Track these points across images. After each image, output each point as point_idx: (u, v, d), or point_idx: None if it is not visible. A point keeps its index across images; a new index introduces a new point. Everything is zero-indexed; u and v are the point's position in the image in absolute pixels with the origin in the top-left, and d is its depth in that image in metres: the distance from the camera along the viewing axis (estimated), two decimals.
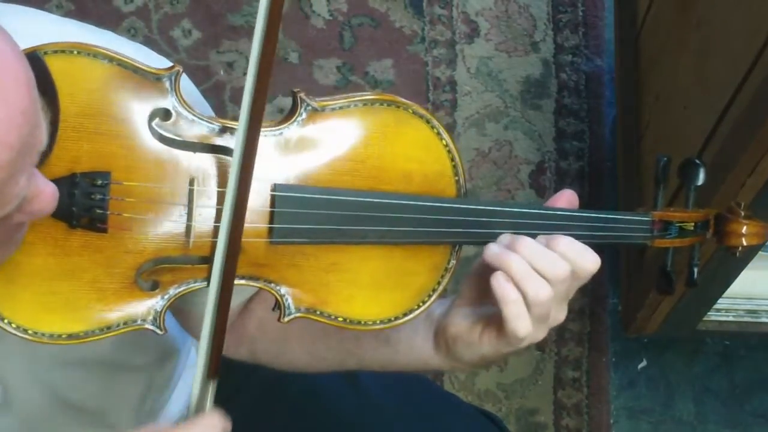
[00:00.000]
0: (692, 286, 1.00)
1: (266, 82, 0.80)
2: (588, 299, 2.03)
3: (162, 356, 1.16)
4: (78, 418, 1.12)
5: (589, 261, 0.89)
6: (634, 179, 1.93)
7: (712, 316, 1.87)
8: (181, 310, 1.05)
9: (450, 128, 2.14)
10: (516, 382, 1.98)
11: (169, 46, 2.17)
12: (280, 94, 2.13)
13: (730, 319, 1.89)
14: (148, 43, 2.17)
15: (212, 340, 0.85)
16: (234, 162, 0.81)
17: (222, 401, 1.24)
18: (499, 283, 0.86)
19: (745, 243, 0.97)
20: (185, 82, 0.91)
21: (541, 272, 0.86)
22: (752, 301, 1.87)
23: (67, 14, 2.19)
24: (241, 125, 0.81)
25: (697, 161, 0.99)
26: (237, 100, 2.24)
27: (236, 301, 1.04)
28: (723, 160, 1.46)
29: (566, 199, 0.93)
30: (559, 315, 0.90)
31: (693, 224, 0.97)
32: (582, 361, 2.00)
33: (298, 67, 2.17)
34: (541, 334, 0.89)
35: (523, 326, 0.86)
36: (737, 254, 0.98)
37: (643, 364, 2.01)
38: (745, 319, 1.89)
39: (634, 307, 1.90)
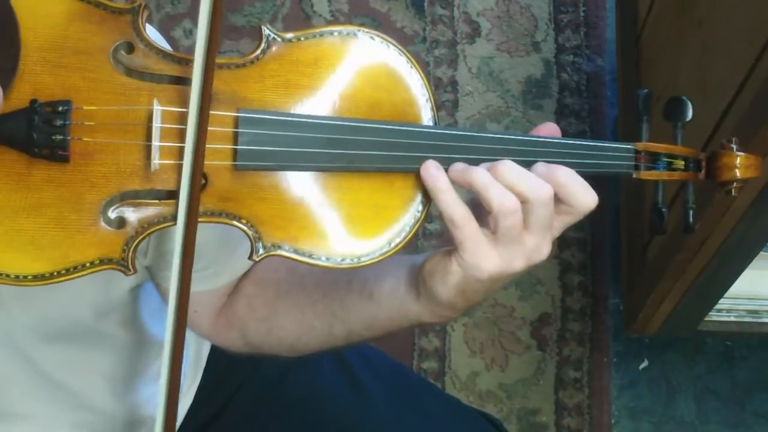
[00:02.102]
0: (688, 231, 0.97)
1: (220, 14, 0.80)
2: (589, 299, 2.03)
3: (142, 337, 1.15)
4: (57, 396, 1.12)
5: (585, 195, 0.86)
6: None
7: (714, 316, 1.87)
8: (160, 285, 1.05)
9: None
10: (517, 383, 1.98)
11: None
12: None
13: (732, 319, 1.89)
14: None
15: (181, 272, 0.84)
16: (194, 88, 0.80)
17: (222, 402, 1.25)
18: (425, 170, 0.85)
19: (739, 175, 0.94)
20: (151, 32, 0.91)
21: (516, 188, 0.83)
22: (753, 301, 1.88)
23: None
24: (198, 50, 0.81)
25: (683, 98, 0.96)
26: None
27: (223, 281, 1.05)
28: None
29: (548, 130, 0.90)
30: (542, 247, 0.87)
31: (683, 161, 0.94)
32: (583, 362, 2.00)
33: None
34: (515, 262, 0.86)
35: (456, 209, 0.84)
36: (732, 191, 0.95)
37: (645, 364, 2.01)
38: (747, 319, 1.89)
39: (635, 307, 1.90)
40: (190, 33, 2.18)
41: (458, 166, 0.85)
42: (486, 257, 0.85)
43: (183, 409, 1.28)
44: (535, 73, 2.20)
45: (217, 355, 1.26)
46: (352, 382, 1.23)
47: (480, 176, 0.83)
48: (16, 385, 1.10)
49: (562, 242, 2.05)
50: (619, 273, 2.04)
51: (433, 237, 2.02)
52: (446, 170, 0.86)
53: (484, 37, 2.22)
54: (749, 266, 1.65)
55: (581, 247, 2.06)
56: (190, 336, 1.24)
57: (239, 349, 1.09)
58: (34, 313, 1.02)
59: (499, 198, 0.83)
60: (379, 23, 2.21)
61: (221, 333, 1.09)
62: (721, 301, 1.80)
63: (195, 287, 1.01)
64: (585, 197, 0.87)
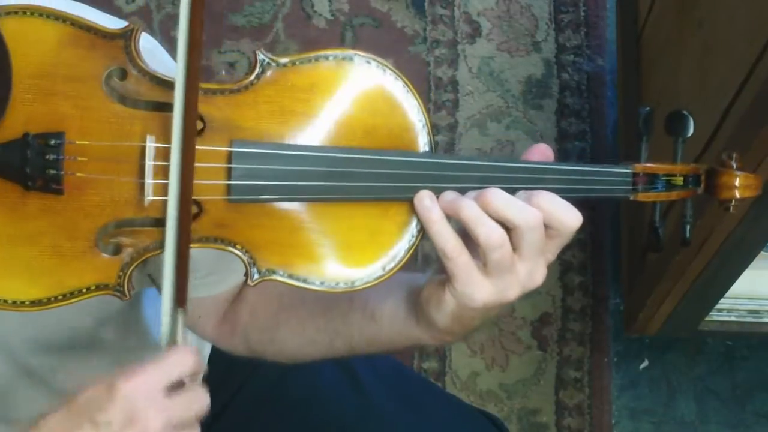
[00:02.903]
0: (685, 245, 0.97)
1: (199, 34, 0.79)
2: (590, 300, 2.03)
3: (144, 340, 1.15)
4: (60, 401, 1.12)
5: (568, 216, 0.85)
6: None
7: (714, 316, 1.86)
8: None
9: (452, 128, 2.14)
10: (518, 383, 1.98)
11: (171, 46, 2.17)
12: None
13: (732, 319, 1.88)
14: None
15: (176, 269, 0.83)
16: (175, 116, 0.79)
17: (223, 402, 1.25)
18: (419, 201, 0.84)
19: (738, 195, 0.93)
20: (148, 44, 0.90)
21: (504, 216, 0.83)
22: (754, 301, 1.87)
23: None
24: (178, 79, 0.79)
25: (685, 112, 0.95)
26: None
27: (225, 287, 1.04)
28: None
29: (540, 152, 0.89)
30: (535, 274, 0.86)
31: (682, 178, 0.93)
32: (584, 362, 2.00)
33: None
34: (510, 292, 0.86)
35: (449, 243, 0.83)
36: (731, 209, 0.94)
37: (645, 364, 2.01)
38: (747, 319, 1.89)
39: (635, 307, 1.90)
40: None
41: (447, 197, 0.85)
42: (479, 287, 0.85)
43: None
44: (536, 73, 2.19)
45: (217, 356, 1.26)
46: (353, 382, 1.23)
47: (467, 209, 0.83)
48: (17, 392, 1.10)
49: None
50: (620, 273, 2.04)
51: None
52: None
53: (484, 36, 2.22)
54: (750, 266, 1.65)
55: (582, 247, 2.06)
56: (191, 337, 1.24)
57: (242, 354, 1.09)
58: (33, 324, 1.02)
59: (485, 232, 0.82)
60: (380, 23, 2.21)
61: (224, 338, 1.09)
62: (722, 301, 1.80)
63: (198, 293, 1.02)
64: (568, 218, 0.85)
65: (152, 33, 2.18)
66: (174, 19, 2.18)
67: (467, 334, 0.94)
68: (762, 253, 1.62)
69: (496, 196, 0.83)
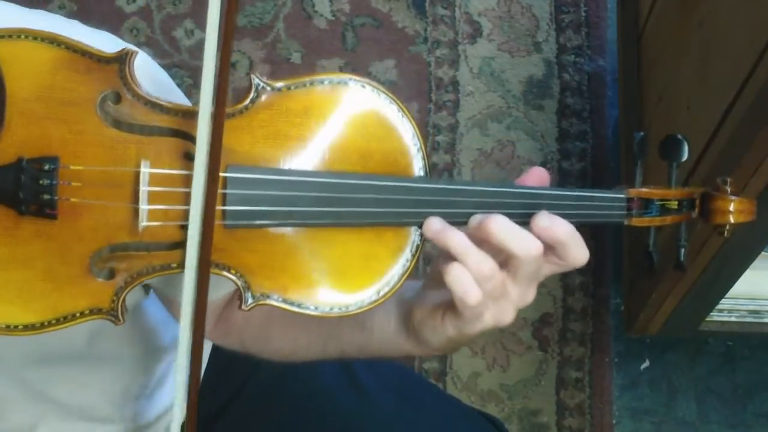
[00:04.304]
0: (680, 269, 0.97)
1: (228, 61, 0.78)
2: (590, 300, 2.03)
3: (146, 349, 1.15)
4: (57, 411, 1.12)
5: (578, 252, 0.85)
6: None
7: (715, 316, 1.86)
8: (167, 298, 1.05)
9: (453, 128, 2.14)
10: (519, 383, 1.98)
11: (171, 47, 2.17)
12: None
13: (733, 319, 1.88)
14: (151, 43, 2.17)
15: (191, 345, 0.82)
16: (200, 148, 0.79)
17: (224, 401, 1.25)
18: (439, 259, 0.84)
19: (732, 220, 0.93)
20: (148, 65, 0.90)
21: (505, 245, 0.82)
22: (755, 302, 1.87)
23: (70, 14, 2.19)
24: (204, 109, 0.79)
25: (680, 137, 0.94)
26: (239, 100, 2.23)
27: (222, 292, 1.04)
28: (726, 160, 1.45)
29: (537, 176, 0.89)
30: (527, 295, 0.87)
31: (676, 202, 0.93)
32: (584, 362, 2.00)
33: (301, 68, 2.17)
34: (505, 315, 0.86)
35: (472, 295, 0.83)
36: (725, 233, 0.94)
37: (646, 364, 2.01)
38: (748, 319, 1.89)
39: (636, 307, 1.90)
40: (192, 33, 2.18)
41: (434, 226, 0.84)
42: (482, 321, 0.86)
43: (184, 409, 1.28)
44: (537, 74, 2.20)
45: (217, 356, 1.26)
46: (353, 382, 1.23)
47: (457, 242, 0.83)
48: (15, 404, 1.10)
49: None
50: (621, 273, 2.04)
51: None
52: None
53: (485, 37, 2.22)
54: (750, 266, 1.65)
55: None
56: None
57: (237, 350, 1.09)
58: (27, 338, 1.02)
59: (474, 264, 0.82)
60: (381, 23, 2.21)
61: (220, 337, 1.09)
62: (723, 301, 1.80)
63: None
64: (579, 254, 0.85)
65: (153, 33, 2.19)
66: (175, 19, 2.18)
67: (457, 349, 0.95)
68: (762, 253, 1.62)
69: (499, 224, 0.83)
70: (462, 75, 2.18)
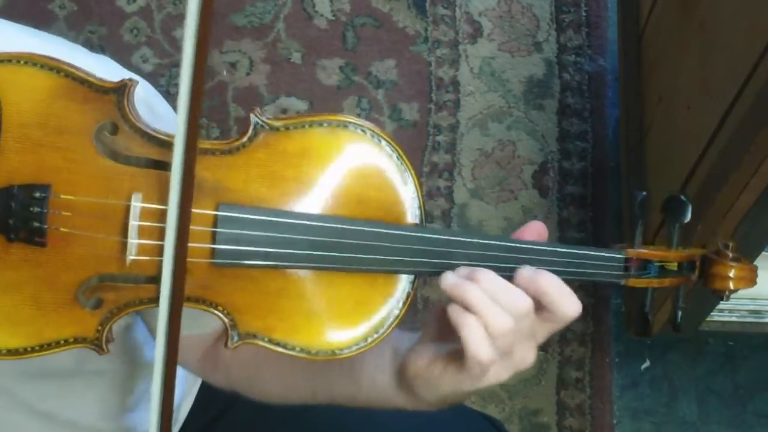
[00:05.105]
0: (676, 331, 0.95)
1: (200, 98, 0.76)
2: (591, 300, 2.03)
3: (132, 364, 1.14)
4: (46, 425, 1.11)
5: (568, 305, 0.84)
6: (637, 180, 1.93)
7: (715, 316, 1.86)
8: (152, 327, 1.04)
9: (453, 128, 2.14)
10: (519, 383, 1.98)
11: (172, 47, 2.17)
12: (283, 95, 2.13)
13: (734, 319, 1.88)
14: (151, 43, 2.17)
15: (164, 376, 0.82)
16: (173, 181, 0.78)
17: (225, 403, 1.25)
18: (454, 309, 0.82)
19: (732, 287, 0.92)
20: (148, 95, 0.89)
21: (500, 304, 0.81)
22: (755, 302, 1.87)
23: (71, 14, 2.19)
24: (178, 144, 0.77)
25: (683, 198, 0.93)
26: (239, 100, 2.25)
27: (208, 329, 1.03)
28: (726, 160, 1.45)
29: (534, 230, 0.88)
30: (527, 356, 0.86)
31: (676, 264, 0.92)
32: (585, 362, 2.00)
33: (301, 68, 2.17)
34: (505, 373, 0.85)
35: (485, 351, 0.82)
36: (725, 298, 0.93)
37: (646, 364, 2.01)
38: (749, 319, 1.89)
39: (637, 307, 1.90)
40: None
41: (450, 280, 0.83)
42: (484, 379, 0.85)
43: (185, 410, 1.28)
44: (537, 73, 2.19)
45: None
46: None
47: (476, 295, 0.81)
48: (4, 418, 1.09)
49: (563, 243, 2.05)
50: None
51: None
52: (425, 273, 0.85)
53: (485, 37, 2.22)
54: None
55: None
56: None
57: (225, 388, 1.08)
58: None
59: (493, 319, 0.81)
60: (381, 23, 2.21)
61: (207, 373, 1.08)
62: (723, 301, 1.80)
63: (182, 332, 1.01)
64: (568, 306, 0.84)
65: (153, 33, 2.19)
66: (176, 19, 2.18)
67: (446, 406, 0.93)
68: (763, 253, 1.62)
69: (488, 280, 0.82)
70: (462, 75, 2.18)
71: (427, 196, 2.08)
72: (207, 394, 1.27)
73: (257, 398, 1.06)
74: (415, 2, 2.23)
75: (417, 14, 2.23)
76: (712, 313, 1.84)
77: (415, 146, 2.10)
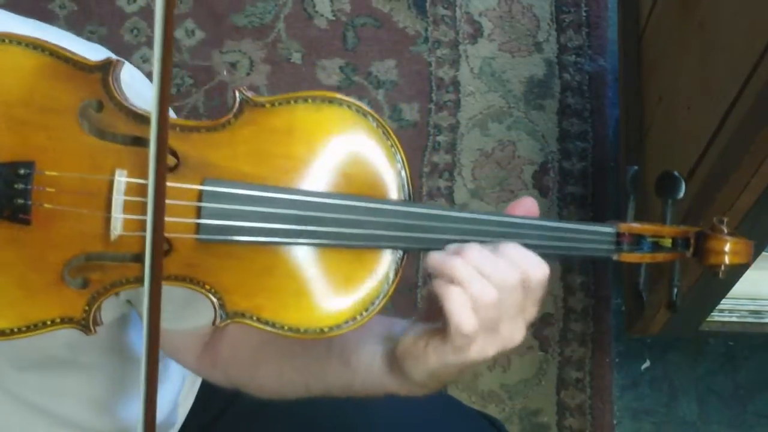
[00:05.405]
0: (672, 310, 0.95)
1: (169, 70, 0.76)
2: (591, 300, 2.03)
3: (126, 358, 1.15)
4: (38, 419, 1.11)
5: (535, 267, 0.84)
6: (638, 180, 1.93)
7: (716, 316, 1.86)
8: (142, 316, 1.04)
9: (453, 129, 2.14)
10: (519, 383, 1.98)
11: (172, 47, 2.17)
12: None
13: (734, 319, 1.88)
14: (151, 43, 2.17)
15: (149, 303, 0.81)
16: (150, 154, 0.78)
17: (225, 401, 1.25)
18: (438, 282, 0.82)
19: (727, 261, 0.91)
20: (134, 80, 0.89)
21: (488, 278, 0.82)
22: (756, 302, 1.87)
23: (71, 14, 2.19)
24: (153, 114, 0.77)
25: (676, 174, 0.92)
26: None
27: (202, 322, 1.02)
28: (726, 160, 1.45)
29: (525, 206, 0.87)
30: (515, 333, 0.85)
31: (670, 240, 0.91)
32: (585, 362, 2.00)
33: (301, 68, 2.17)
34: (491, 349, 0.85)
35: (467, 321, 0.82)
36: (720, 274, 0.92)
37: (647, 364, 2.01)
38: (749, 319, 1.89)
39: (637, 307, 1.90)
40: (192, 33, 2.18)
41: (436, 256, 0.83)
42: (468, 351, 0.85)
43: (185, 409, 1.28)
44: (537, 74, 2.19)
45: None
46: None
47: (460, 269, 0.82)
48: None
49: None
50: (621, 274, 2.04)
51: None
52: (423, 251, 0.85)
53: (486, 37, 2.22)
54: (751, 266, 1.65)
55: None
56: (175, 366, 1.24)
57: (223, 385, 1.09)
58: (4, 345, 1.01)
59: (479, 291, 0.82)
60: (381, 23, 2.21)
61: (206, 370, 1.08)
62: (723, 301, 1.80)
63: (171, 326, 1.00)
64: (539, 270, 0.84)
65: (153, 33, 2.19)
66: (176, 19, 2.18)
67: (440, 388, 0.93)
68: (763, 253, 1.62)
69: (472, 253, 0.82)
70: (463, 75, 2.18)
71: (427, 196, 2.08)
72: (207, 393, 1.27)
73: (255, 394, 1.06)
74: (416, 2, 2.23)
75: (417, 14, 2.23)
76: (712, 313, 1.84)
77: (416, 146, 2.10)
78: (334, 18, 2.22)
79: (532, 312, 0.87)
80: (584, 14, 2.25)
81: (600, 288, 2.04)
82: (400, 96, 2.14)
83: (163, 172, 0.78)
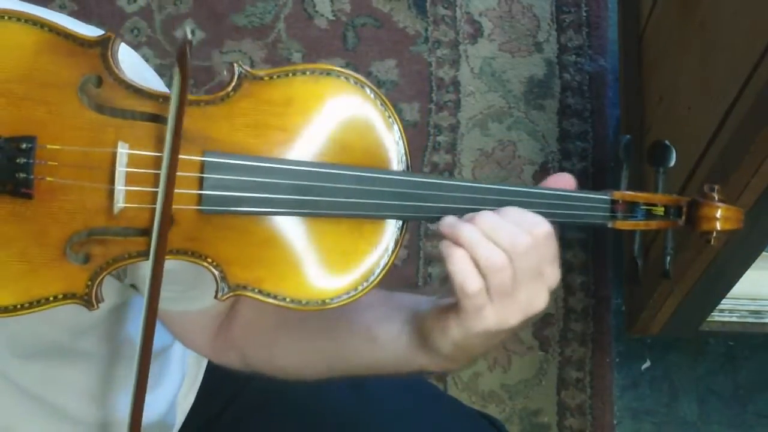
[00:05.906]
0: (665, 278, 0.97)
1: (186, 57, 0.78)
2: (591, 300, 2.03)
3: (126, 349, 1.15)
4: (36, 409, 1.11)
5: (538, 223, 0.85)
6: (638, 180, 1.93)
7: (716, 316, 1.87)
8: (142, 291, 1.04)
9: (453, 128, 2.14)
10: (519, 383, 1.98)
11: (172, 47, 2.17)
12: None
13: (734, 319, 1.89)
14: (151, 43, 2.17)
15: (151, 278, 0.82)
16: (168, 130, 0.79)
17: (225, 399, 1.25)
18: (444, 243, 0.83)
19: (718, 227, 0.93)
20: (131, 58, 0.90)
21: (495, 241, 0.82)
22: (756, 302, 1.88)
23: (71, 14, 2.19)
24: (173, 95, 0.80)
25: (667, 143, 0.95)
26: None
27: (210, 302, 1.01)
28: (727, 160, 1.45)
29: (563, 180, 0.90)
30: (536, 299, 0.86)
31: (663, 209, 0.94)
32: (585, 362, 2.00)
33: None
34: (513, 316, 0.85)
35: (470, 282, 0.82)
36: (711, 241, 0.94)
37: (647, 364, 2.01)
38: (749, 319, 1.89)
39: (637, 307, 1.90)
40: (193, 33, 2.18)
41: (447, 220, 0.84)
42: (484, 318, 0.85)
43: (186, 407, 1.28)
44: (538, 74, 2.19)
45: None
46: (354, 382, 1.23)
47: (468, 232, 0.83)
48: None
49: (564, 243, 2.05)
50: (621, 273, 2.04)
51: (434, 237, 2.02)
52: (427, 220, 0.86)
53: (486, 37, 2.22)
54: (751, 266, 1.65)
55: (583, 247, 2.06)
56: (187, 352, 1.24)
57: (240, 369, 1.09)
58: (5, 331, 1.01)
59: (486, 255, 0.82)
60: (381, 23, 2.21)
61: (220, 353, 1.08)
62: (724, 301, 1.80)
63: (181, 306, 1.01)
64: (540, 226, 0.85)
65: (153, 33, 2.19)
66: (176, 19, 2.18)
67: (471, 362, 0.94)
68: (764, 253, 1.62)
69: (483, 218, 0.83)
70: (463, 75, 2.18)
71: None
72: (210, 388, 1.27)
73: (275, 375, 1.06)
74: (416, 2, 2.23)
75: (417, 14, 2.23)
76: (712, 313, 1.85)
77: (416, 146, 2.10)
78: (334, 18, 2.22)
79: (551, 274, 0.87)
80: (584, 14, 2.25)
81: (600, 288, 2.04)
82: (400, 96, 2.14)
83: (177, 146, 0.79)
